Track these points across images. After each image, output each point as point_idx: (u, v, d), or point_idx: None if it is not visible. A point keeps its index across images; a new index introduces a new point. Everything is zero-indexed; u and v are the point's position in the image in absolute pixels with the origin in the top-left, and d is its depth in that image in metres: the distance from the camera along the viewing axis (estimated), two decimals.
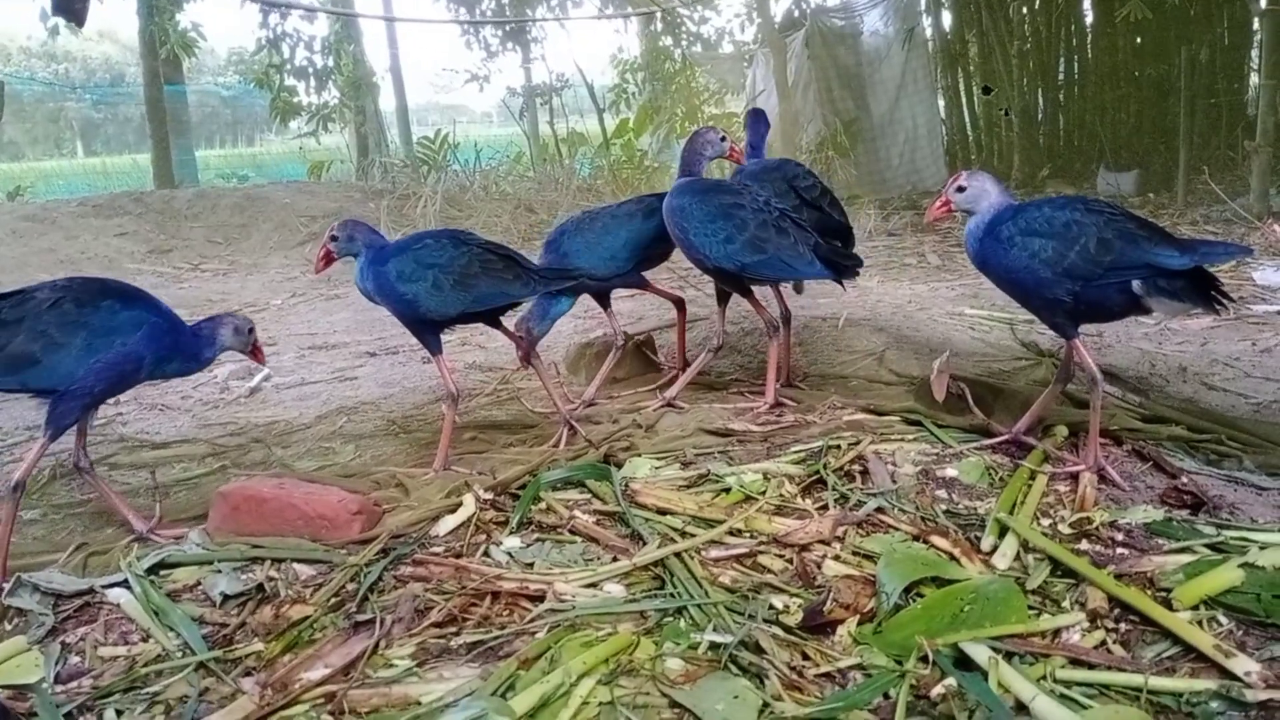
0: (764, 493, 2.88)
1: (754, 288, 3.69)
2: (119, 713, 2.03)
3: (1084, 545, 2.55)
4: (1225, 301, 2.79)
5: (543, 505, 2.92)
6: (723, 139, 3.76)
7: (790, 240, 3.48)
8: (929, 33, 12.09)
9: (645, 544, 2.63)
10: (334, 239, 3.29)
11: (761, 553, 2.56)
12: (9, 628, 2.41)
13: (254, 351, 3.14)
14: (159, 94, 14.12)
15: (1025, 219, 2.92)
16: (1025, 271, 2.90)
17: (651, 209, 3.83)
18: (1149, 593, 2.27)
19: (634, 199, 4.02)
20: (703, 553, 2.56)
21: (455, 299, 3.22)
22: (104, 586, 2.51)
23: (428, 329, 3.31)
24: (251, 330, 3.09)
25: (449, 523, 2.80)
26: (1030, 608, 2.24)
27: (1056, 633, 2.15)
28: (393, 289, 3.22)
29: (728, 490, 2.93)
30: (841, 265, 3.58)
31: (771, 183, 3.97)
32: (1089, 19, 11.39)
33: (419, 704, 1.97)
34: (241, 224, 9.96)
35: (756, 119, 4.45)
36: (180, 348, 2.93)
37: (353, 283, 3.42)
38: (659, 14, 14.59)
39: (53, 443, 2.80)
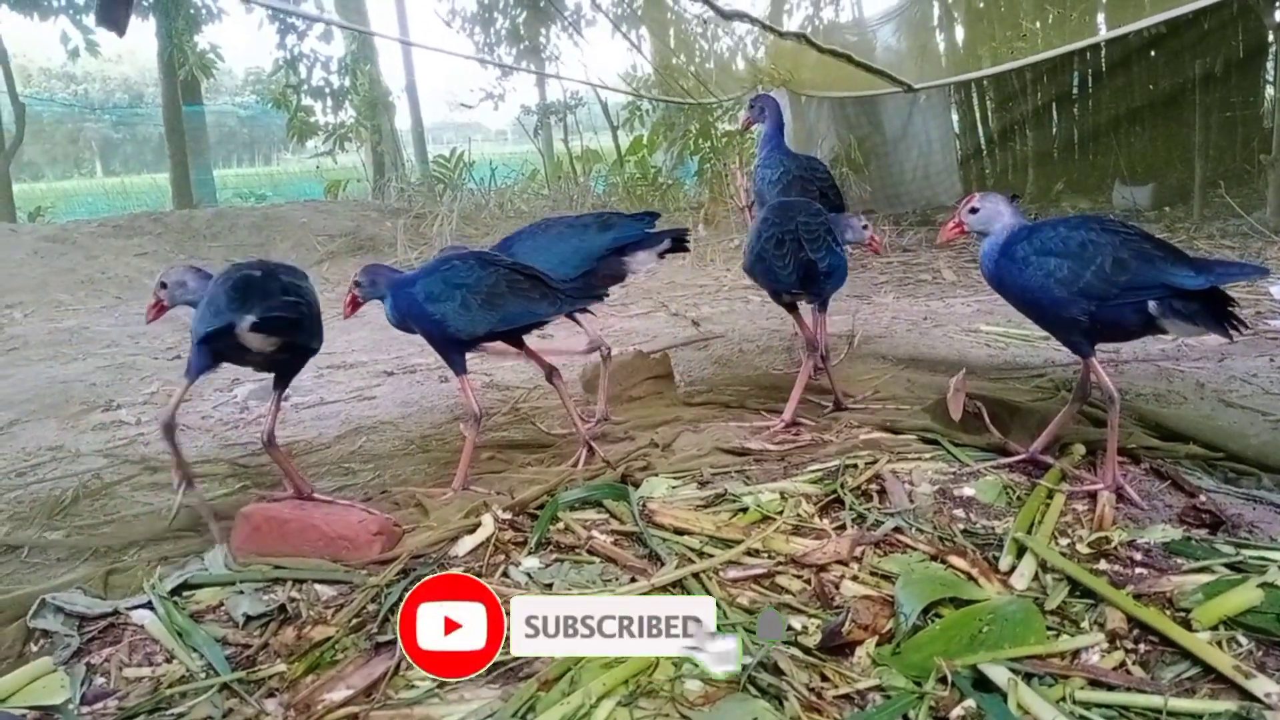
0: (781, 512, 2.89)
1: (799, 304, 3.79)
2: None
3: (1102, 565, 2.54)
4: (1240, 327, 2.79)
5: (561, 525, 2.93)
6: (865, 226, 3.87)
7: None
8: (942, 47, 12.10)
9: (663, 564, 2.63)
10: (358, 285, 3.38)
11: (779, 573, 2.57)
12: (35, 649, 2.43)
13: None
14: (177, 114, 14.29)
15: (1040, 238, 2.93)
16: (1041, 291, 2.90)
17: (607, 224, 3.86)
18: (1168, 613, 2.27)
19: (593, 213, 4.05)
20: (721, 573, 2.57)
21: (483, 318, 3.25)
22: (128, 608, 2.54)
23: (453, 349, 3.34)
24: None
25: (468, 543, 2.81)
26: (1049, 628, 2.24)
27: (1075, 654, 2.15)
28: (421, 310, 3.26)
29: (745, 510, 2.94)
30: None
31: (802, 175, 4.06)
32: (1103, 32, 11.40)
33: None
34: (260, 243, 10.05)
35: (772, 105, 4.52)
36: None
37: (369, 303, 3.46)
38: (671, 33, 14.65)
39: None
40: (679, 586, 2.51)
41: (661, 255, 3.98)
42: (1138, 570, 2.51)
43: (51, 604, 2.54)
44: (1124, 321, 2.89)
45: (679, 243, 3.99)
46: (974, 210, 3.10)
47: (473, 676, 2.15)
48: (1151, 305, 2.81)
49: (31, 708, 2.16)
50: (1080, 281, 2.84)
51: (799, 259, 3.52)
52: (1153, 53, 10.73)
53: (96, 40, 13.96)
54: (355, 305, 3.44)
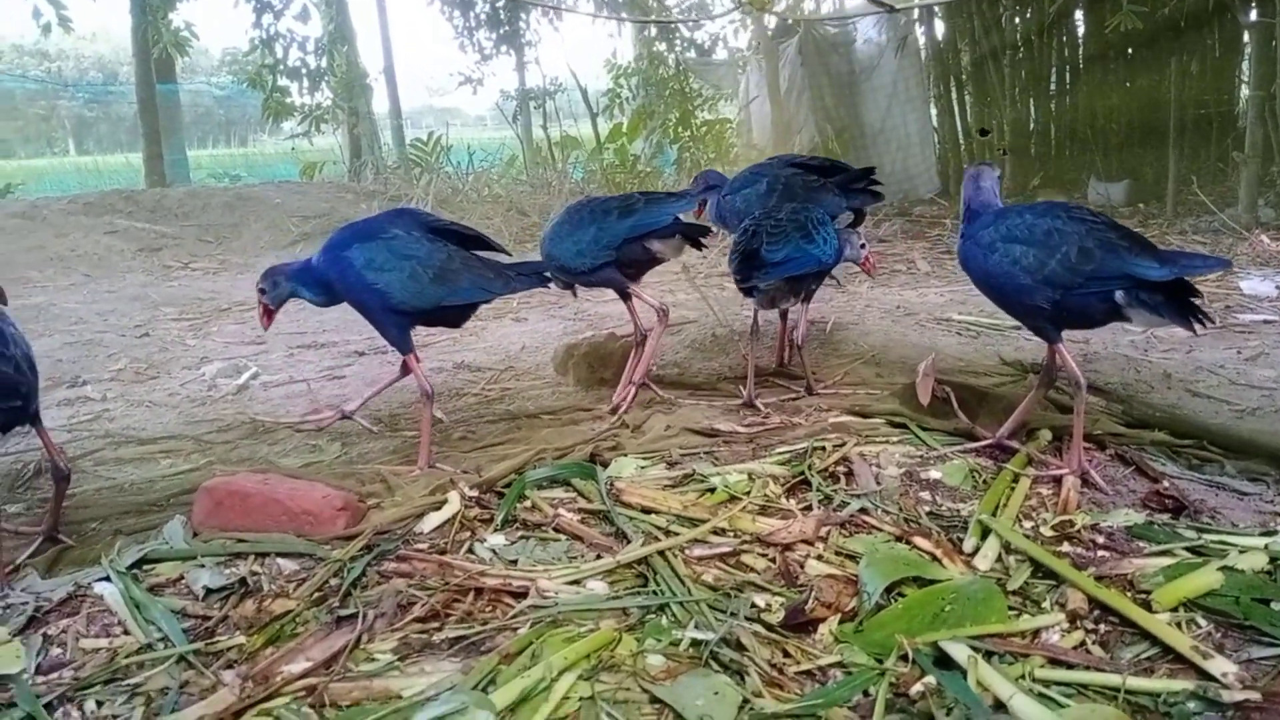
0: (748, 493, 2.89)
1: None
2: (99, 704, 2.02)
3: (1065, 547, 2.56)
4: (1204, 321, 2.80)
5: (528, 504, 2.92)
6: (862, 245, 4.03)
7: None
8: (921, 41, 12.13)
9: (629, 542, 2.63)
10: (263, 291, 3.40)
11: (745, 552, 2.57)
12: None
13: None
14: (151, 93, 14.07)
15: (1007, 225, 2.94)
16: (1005, 277, 2.92)
17: (629, 208, 3.85)
18: (1129, 594, 2.28)
19: (621, 196, 4.01)
20: (686, 551, 2.56)
21: (434, 293, 3.23)
22: (88, 581, 2.50)
23: (394, 323, 3.31)
24: None
25: (433, 520, 2.80)
26: (1010, 608, 2.25)
27: (1036, 633, 2.16)
28: (359, 279, 3.22)
29: (712, 490, 2.94)
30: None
31: (770, 177, 4.11)
32: (1081, 29, 11.45)
33: (400, 697, 1.97)
34: (233, 223, 9.94)
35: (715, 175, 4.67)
36: None
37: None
38: (653, 20, 14.62)
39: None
40: (644, 564, 2.50)
41: (689, 241, 3.99)
42: (1100, 553, 2.53)
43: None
44: (1089, 310, 2.91)
45: (694, 240, 4.01)
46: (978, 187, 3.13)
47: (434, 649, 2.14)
48: (1118, 295, 2.82)
49: None
50: (1045, 270, 2.85)
51: (744, 249, 3.57)
52: (1130, 50, 10.79)
53: (69, 15, 13.76)
54: (269, 313, 3.44)
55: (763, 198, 4.32)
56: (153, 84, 14.06)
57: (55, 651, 2.25)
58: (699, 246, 4.06)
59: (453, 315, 3.43)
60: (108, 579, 2.51)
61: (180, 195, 10.86)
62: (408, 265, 3.21)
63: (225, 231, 9.74)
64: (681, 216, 3.95)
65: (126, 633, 2.30)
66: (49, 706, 2.01)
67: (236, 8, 13.02)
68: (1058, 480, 2.92)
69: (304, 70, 14.13)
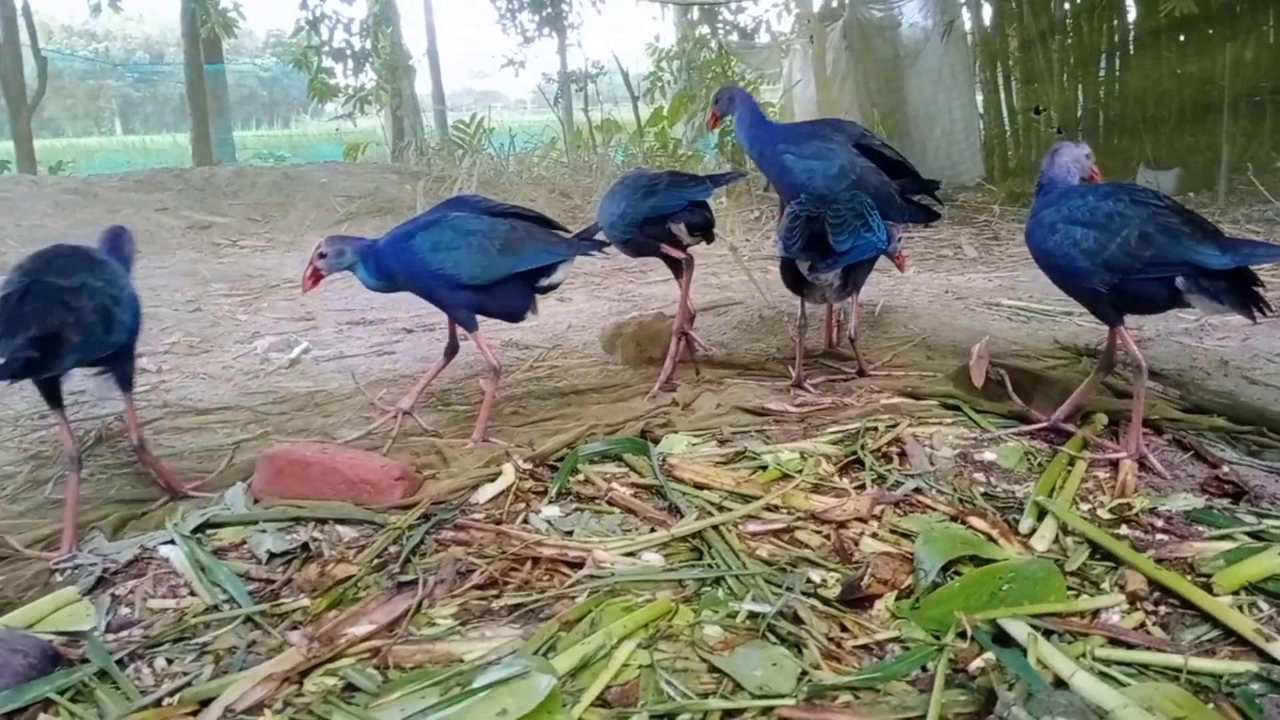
0: (801, 471, 2.90)
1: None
2: (169, 660, 2.08)
3: (1123, 530, 2.54)
4: (1265, 309, 2.76)
5: (580, 477, 2.95)
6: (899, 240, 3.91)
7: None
8: (968, 26, 11.98)
9: (682, 517, 2.64)
10: (321, 256, 3.32)
11: (799, 528, 2.57)
12: (60, 579, 2.47)
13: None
14: (199, 73, 14.27)
15: (1069, 206, 2.91)
16: (1064, 259, 2.89)
17: (652, 189, 3.84)
18: (1189, 577, 2.26)
19: (652, 176, 3.98)
20: (740, 526, 2.58)
21: (502, 263, 3.27)
22: (153, 544, 2.56)
23: (464, 301, 3.34)
24: None
25: (489, 490, 2.83)
26: (1069, 588, 2.24)
27: (1095, 613, 2.15)
28: (425, 264, 3.26)
29: (764, 468, 2.94)
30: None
31: (845, 162, 4.04)
32: (1131, 15, 11.26)
33: (462, 660, 2.00)
34: (280, 202, 10.05)
35: (741, 94, 4.49)
36: None
37: None
38: (696, 4, 14.56)
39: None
40: (698, 537, 2.52)
41: (696, 232, 3.97)
42: (1159, 536, 2.51)
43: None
44: (1149, 295, 2.87)
45: (704, 230, 3.99)
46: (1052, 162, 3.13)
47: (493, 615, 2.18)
48: (1179, 281, 2.79)
49: (58, 633, 2.18)
50: (1104, 253, 2.81)
51: (809, 235, 3.52)
52: (1182, 33, 10.59)
53: None
54: (317, 279, 3.36)
55: (830, 180, 4.10)
56: (201, 64, 14.25)
57: (124, 611, 2.31)
58: (708, 240, 4.05)
59: (517, 298, 3.44)
60: (172, 542, 2.57)
61: (228, 174, 10.99)
62: (474, 239, 3.25)
63: (272, 210, 9.85)
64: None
65: (193, 594, 2.35)
66: (120, 663, 2.06)
67: None
68: (1114, 464, 2.89)
69: (349, 52, 14.25)
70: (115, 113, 31.71)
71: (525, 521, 2.67)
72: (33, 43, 14.84)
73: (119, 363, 2.87)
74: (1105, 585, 2.27)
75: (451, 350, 3.64)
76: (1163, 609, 2.17)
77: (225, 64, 16.26)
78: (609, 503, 2.77)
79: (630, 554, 2.45)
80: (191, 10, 13.57)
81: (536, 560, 2.43)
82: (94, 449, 3.50)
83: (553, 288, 3.57)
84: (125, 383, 2.93)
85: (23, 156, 14.15)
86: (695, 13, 15.13)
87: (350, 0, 14.23)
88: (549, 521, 2.67)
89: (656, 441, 3.18)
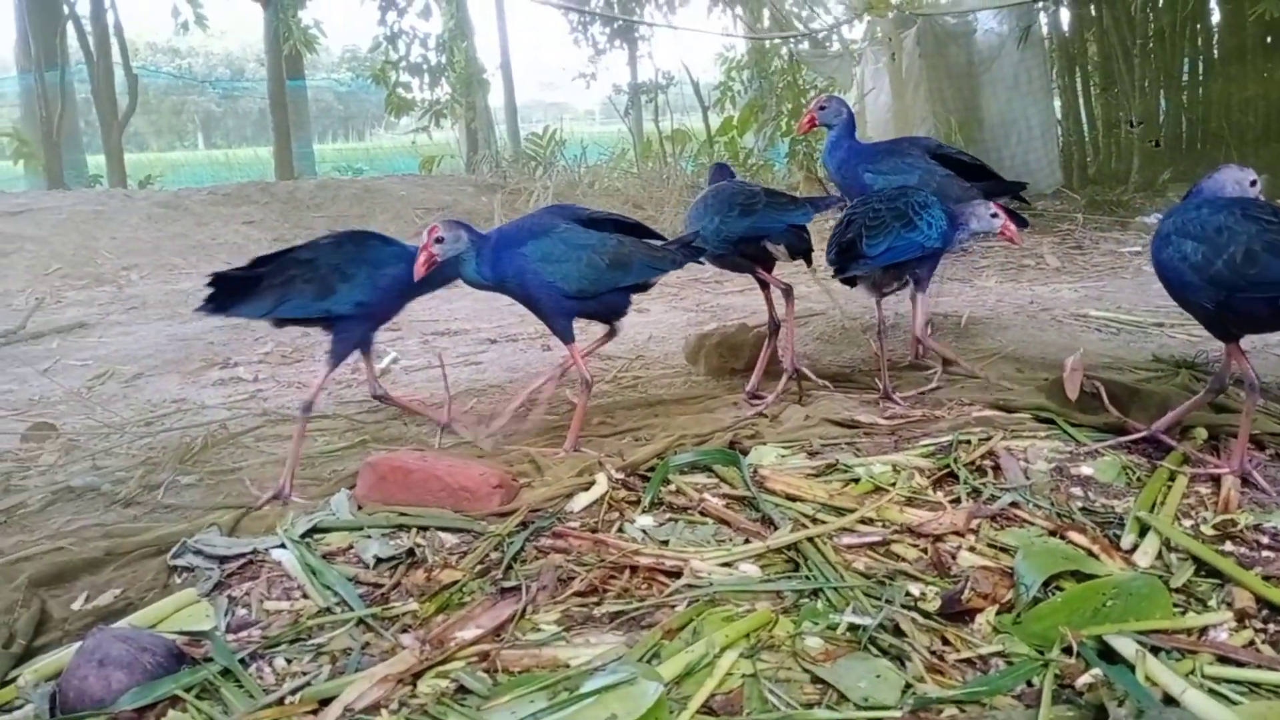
0: (894, 484, 2.90)
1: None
2: (288, 660, 2.16)
3: (1228, 547, 2.50)
4: None
5: (672, 488, 2.98)
6: (994, 215, 3.80)
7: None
8: (1045, 31, 11.80)
9: (776, 528, 2.67)
10: (439, 240, 3.19)
11: (895, 541, 2.58)
12: (179, 580, 2.57)
13: None
14: (281, 88, 14.69)
15: (1183, 218, 2.84)
16: (1174, 273, 2.83)
17: (751, 207, 3.87)
18: None
19: (749, 192, 3.99)
20: (835, 539, 2.59)
21: (610, 278, 3.34)
22: (265, 548, 2.66)
23: (565, 311, 3.39)
24: None
25: (583, 499, 2.88)
26: (1174, 605, 2.22)
27: (1203, 630, 2.12)
28: (536, 274, 3.29)
29: (856, 480, 2.95)
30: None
31: (924, 171, 4.04)
32: (1215, 18, 10.98)
33: (568, 666, 2.05)
34: (360, 214, 10.30)
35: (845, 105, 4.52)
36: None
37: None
38: (767, 17, 14.57)
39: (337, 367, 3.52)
40: (794, 549, 2.54)
41: (797, 255, 4.01)
42: (1264, 553, 2.46)
43: (191, 546, 2.67)
44: (1255, 313, 2.75)
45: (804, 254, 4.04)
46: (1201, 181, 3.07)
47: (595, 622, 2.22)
48: None
49: (180, 633, 2.28)
50: (1211, 269, 2.72)
51: (840, 243, 3.62)
52: (1269, 39, 10.31)
53: (205, 15, 14.43)
54: (431, 263, 3.19)
55: None
56: (283, 80, 14.67)
57: (241, 612, 2.40)
58: (808, 263, 4.10)
59: (618, 304, 3.51)
60: (283, 546, 2.66)
61: (311, 187, 11.29)
62: (584, 254, 3.30)
63: (354, 222, 10.08)
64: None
65: (305, 596, 2.45)
66: (242, 663, 2.15)
67: (362, 5, 13.44)
68: (1216, 479, 2.84)
69: (425, 66, 14.53)
70: (198, 127, 32.75)
71: (620, 530, 2.72)
72: (124, 60, 15.41)
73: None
74: (1212, 602, 2.24)
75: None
76: (1271, 627, 2.14)
77: (305, 79, 16.69)
78: (702, 513, 2.81)
79: (727, 564, 2.48)
80: (275, 28, 13.97)
81: (634, 569, 2.47)
82: (200, 454, 3.63)
83: (646, 289, 3.64)
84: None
85: (114, 170, 14.71)
86: (766, 21, 15.14)
87: (427, 15, 14.53)
88: (644, 531, 2.71)
89: (745, 453, 3.21)
